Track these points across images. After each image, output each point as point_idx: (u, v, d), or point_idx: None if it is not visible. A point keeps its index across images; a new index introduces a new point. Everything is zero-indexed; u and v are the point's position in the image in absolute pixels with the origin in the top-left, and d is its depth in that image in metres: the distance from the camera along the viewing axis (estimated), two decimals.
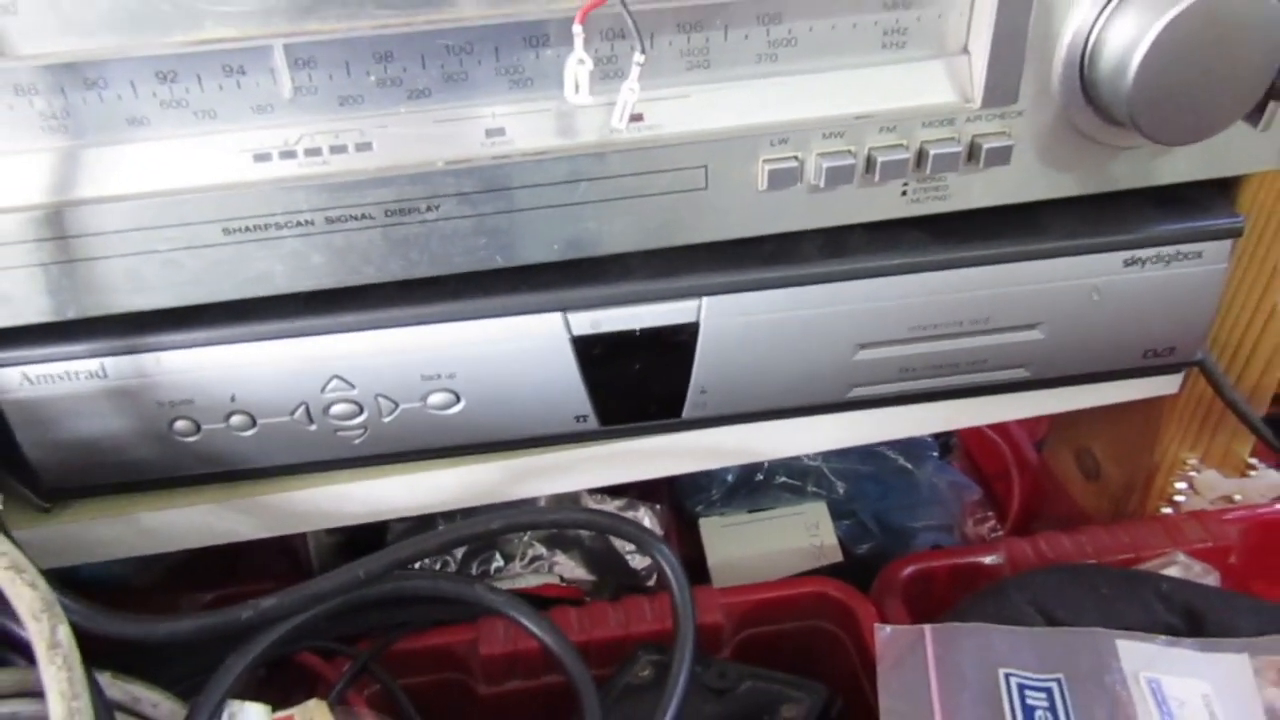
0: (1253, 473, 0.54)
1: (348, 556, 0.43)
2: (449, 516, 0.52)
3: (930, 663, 0.39)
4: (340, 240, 0.36)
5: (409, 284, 0.38)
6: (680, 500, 0.63)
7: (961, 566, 0.49)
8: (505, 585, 0.56)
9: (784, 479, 0.62)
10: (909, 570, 0.49)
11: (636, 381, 0.41)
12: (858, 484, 0.63)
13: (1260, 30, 0.34)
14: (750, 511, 0.62)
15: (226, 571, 0.57)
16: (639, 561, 0.58)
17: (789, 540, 0.60)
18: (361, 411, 0.41)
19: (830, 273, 0.40)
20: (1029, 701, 0.38)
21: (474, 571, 0.57)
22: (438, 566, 0.57)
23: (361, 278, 0.37)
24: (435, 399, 0.41)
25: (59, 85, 0.33)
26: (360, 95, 0.34)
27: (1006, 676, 0.39)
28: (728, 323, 0.40)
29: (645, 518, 0.58)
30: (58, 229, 0.34)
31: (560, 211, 0.37)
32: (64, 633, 0.30)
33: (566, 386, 0.41)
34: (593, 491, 0.57)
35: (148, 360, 0.38)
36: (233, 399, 0.40)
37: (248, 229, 0.35)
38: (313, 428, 0.41)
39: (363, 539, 0.58)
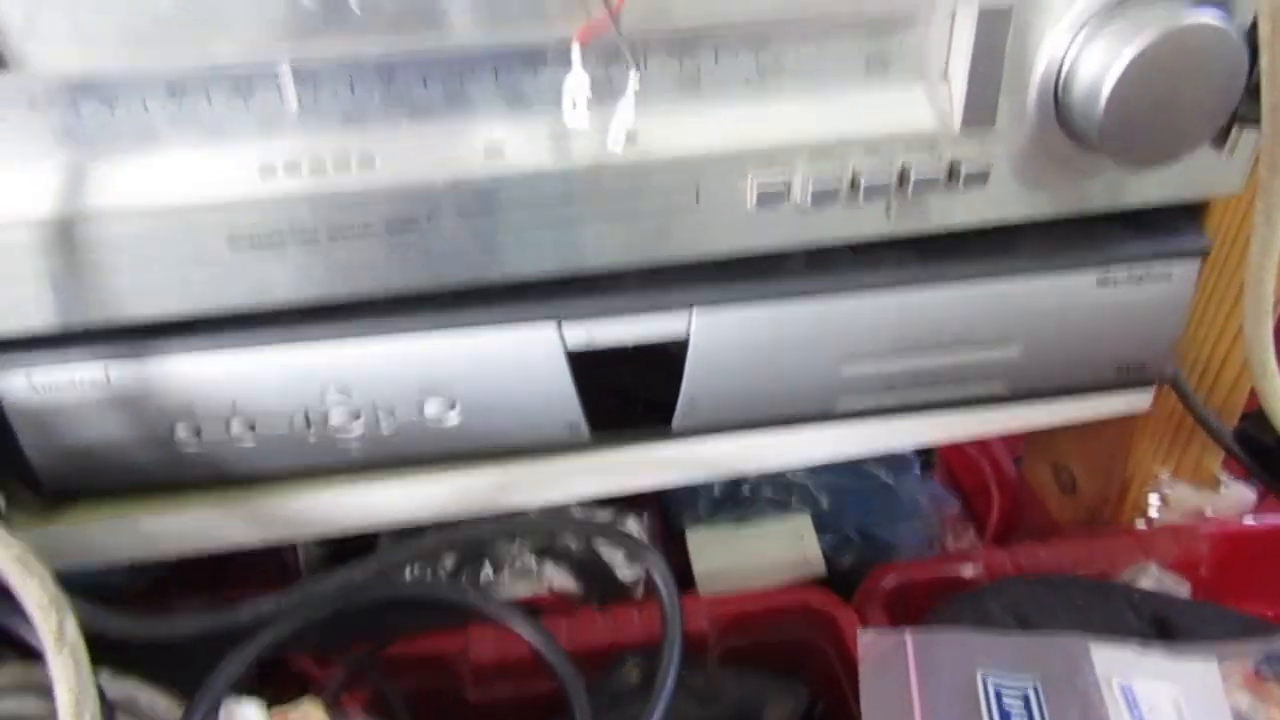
0: (1222, 487, 0.55)
1: None
2: (441, 529, 0.53)
3: (911, 666, 0.40)
4: (342, 253, 0.37)
5: (408, 295, 0.39)
6: (667, 513, 0.64)
7: (941, 577, 0.50)
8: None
9: (769, 493, 0.63)
10: (890, 580, 0.50)
11: (627, 392, 0.42)
12: (841, 498, 0.64)
13: (1224, 60, 0.35)
14: (736, 523, 0.63)
15: (215, 584, 0.58)
16: (627, 573, 0.59)
17: (774, 552, 0.61)
18: (359, 419, 0.42)
19: (817, 289, 0.41)
20: (1005, 704, 0.39)
21: (464, 582, 0.58)
22: (428, 577, 0.57)
23: (362, 289, 0.38)
24: (431, 408, 0.42)
25: (73, 100, 0.34)
26: (364, 113, 0.35)
27: (984, 679, 0.40)
28: (717, 336, 0.41)
29: (633, 529, 0.59)
30: (68, 239, 0.35)
31: (555, 227, 0.38)
32: (71, 626, 0.30)
33: (559, 396, 0.42)
34: (582, 504, 0.58)
35: (151, 368, 0.39)
36: (233, 406, 0.41)
37: (252, 241, 0.37)
38: (311, 435, 0.42)
39: (352, 549, 0.58)
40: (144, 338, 0.39)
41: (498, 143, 0.36)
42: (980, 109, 0.37)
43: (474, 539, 0.41)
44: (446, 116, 0.36)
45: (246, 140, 0.35)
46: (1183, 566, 0.50)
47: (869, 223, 0.40)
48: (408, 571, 0.54)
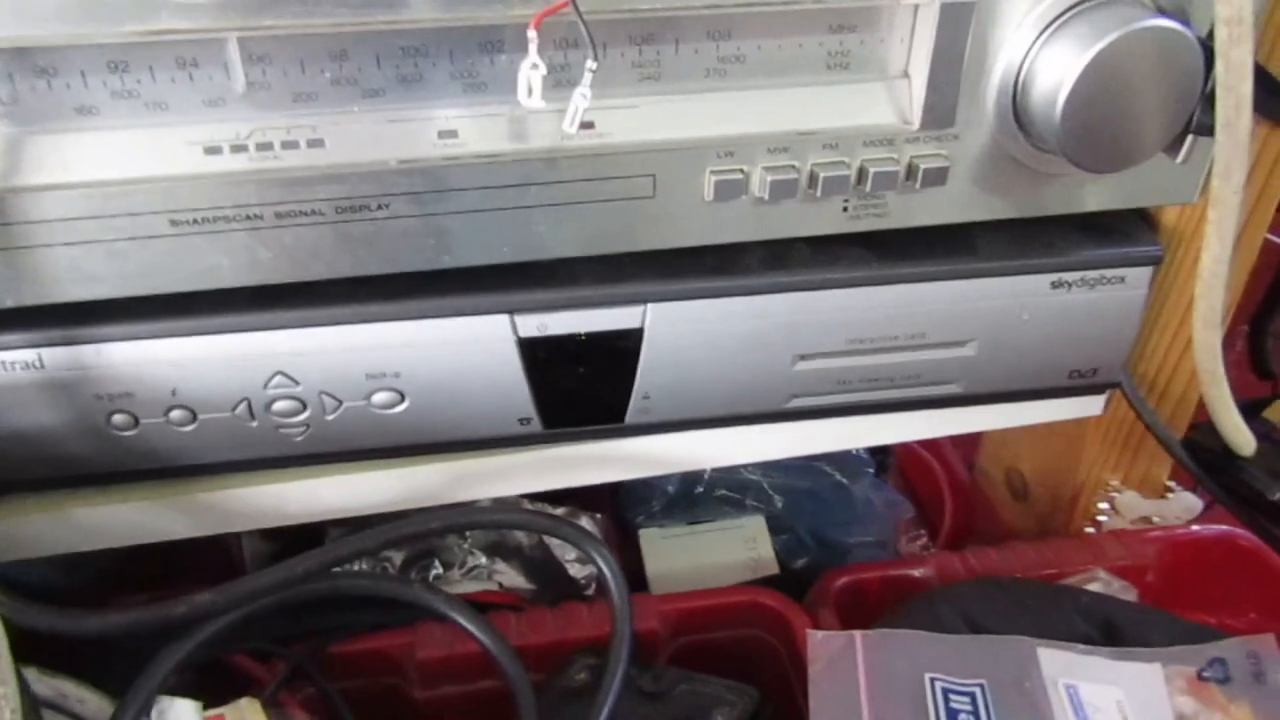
0: (1170, 495, 0.56)
1: None
2: (388, 521, 0.52)
3: (860, 667, 0.40)
4: (289, 236, 0.36)
5: (356, 282, 0.38)
6: (621, 511, 0.63)
7: (893, 578, 0.50)
8: None
9: (724, 492, 0.63)
10: (842, 581, 0.50)
11: (581, 385, 0.42)
12: (795, 499, 0.64)
13: (1180, 66, 0.35)
14: (689, 524, 0.63)
15: (158, 579, 0.56)
16: (578, 570, 0.58)
17: (727, 553, 0.61)
18: (305, 409, 0.41)
19: (772, 284, 0.41)
20: (953, 705, 0.39)
21: (413, 578, 0.57)
22: (377, 573, 0.56)
23: (309, 274, 0.37)
24: (379, 398, 0.41)
25: (8, 72, 0.33)
26: (314, 92, 0.35)
27: (932, 681, 0.40)
28: (672, 329, 0.41)
29: (586, 526, 0.58)
30: (1, 216, 0.34)
31: (509, 214, 0.37)
32: None
33: (511, 388, 0.41)
34: (534, 499, 0.57)
35: (87, 352, 0.38)
36: (173, 393, 0.39)
37: (195, 221, 0.35)
38: (254, 424, 0.41)
39: (299, 548, 0.57)
40: (80, 321, 0.38)
41: (452, 126, 0.36)
42: (940, 108, 0.38)
43: (423, 533, 0.40)
44: (400, 98, 0.35)
45: (191, 117, 0.34)
46: (1130, 572, 0.50)
47: (827, 219, 0.40)
48: (354, 567, 0.53)
